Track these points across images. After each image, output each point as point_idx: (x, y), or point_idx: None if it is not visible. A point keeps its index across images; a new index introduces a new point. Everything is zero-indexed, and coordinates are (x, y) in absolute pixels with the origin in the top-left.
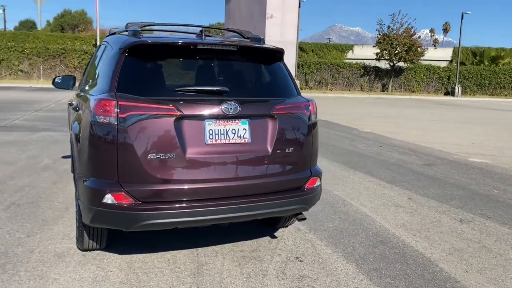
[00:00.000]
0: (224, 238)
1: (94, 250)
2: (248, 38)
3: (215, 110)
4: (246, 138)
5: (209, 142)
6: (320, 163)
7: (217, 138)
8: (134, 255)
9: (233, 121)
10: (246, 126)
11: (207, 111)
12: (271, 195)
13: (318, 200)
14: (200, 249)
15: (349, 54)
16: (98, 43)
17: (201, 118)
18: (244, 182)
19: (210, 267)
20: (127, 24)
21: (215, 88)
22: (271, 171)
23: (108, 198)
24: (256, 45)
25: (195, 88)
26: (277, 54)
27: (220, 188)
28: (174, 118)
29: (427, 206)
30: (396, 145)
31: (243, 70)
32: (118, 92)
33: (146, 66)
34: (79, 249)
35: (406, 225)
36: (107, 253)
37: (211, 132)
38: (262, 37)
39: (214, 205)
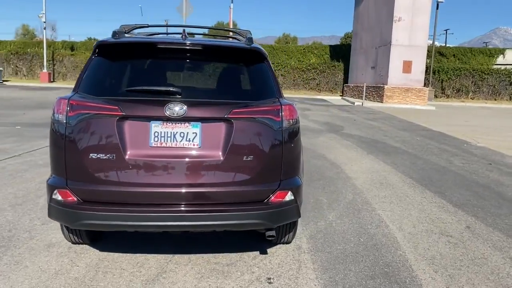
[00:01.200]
0: (211, 247)
1: (78, 243)
2: (245, 38)
3: (159, 111)
4: (195, 142)
5: (153, 145)
6: (391, 177)
7: (162, 141)
8: (111, 253)
9: (182, 124)
10: (197, 130)
11: (151, 112)
12: (223, 206)
13: (294, 217)
14: (177, 256)
15: (499, 59)
16: None
17: (146, 119)
18: (190, 189)
19: (169, 276)
20: (121, 26)
21: (162, 88)
22: (223, 179)
23: (57, 195)
24: (225, 44)
25: (142, 88)
26: (252, 54)
27: (163, 193)
28: (117, 118)
29: (484, 239)
30: (506, 164)
31: (210, 70)
32: (80, 92)
33: (110, 66)
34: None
35: (436, 259)
36: (90, 248)
37: (156, 134)
38: (251, 36)
39: (156, 211)
